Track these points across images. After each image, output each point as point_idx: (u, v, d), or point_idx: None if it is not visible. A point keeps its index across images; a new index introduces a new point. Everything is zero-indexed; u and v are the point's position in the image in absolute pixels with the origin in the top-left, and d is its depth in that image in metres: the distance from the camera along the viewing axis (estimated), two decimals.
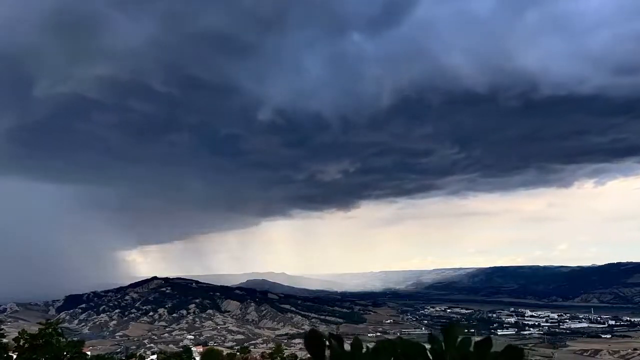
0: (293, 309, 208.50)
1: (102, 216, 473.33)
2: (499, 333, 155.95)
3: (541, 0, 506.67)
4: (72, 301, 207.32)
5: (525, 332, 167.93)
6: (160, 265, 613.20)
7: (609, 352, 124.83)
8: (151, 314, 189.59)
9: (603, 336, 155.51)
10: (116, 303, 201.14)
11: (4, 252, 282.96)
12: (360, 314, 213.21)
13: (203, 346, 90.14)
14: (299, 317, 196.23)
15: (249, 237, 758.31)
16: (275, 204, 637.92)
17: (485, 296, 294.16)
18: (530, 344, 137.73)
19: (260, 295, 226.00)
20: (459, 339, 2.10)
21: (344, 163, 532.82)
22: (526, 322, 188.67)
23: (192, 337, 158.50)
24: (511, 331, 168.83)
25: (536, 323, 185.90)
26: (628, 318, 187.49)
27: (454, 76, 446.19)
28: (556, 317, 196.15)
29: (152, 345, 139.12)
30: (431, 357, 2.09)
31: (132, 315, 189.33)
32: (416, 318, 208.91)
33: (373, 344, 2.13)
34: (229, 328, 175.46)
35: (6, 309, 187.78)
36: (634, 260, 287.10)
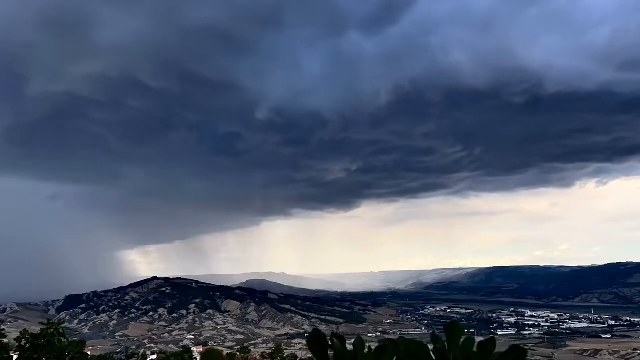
0: (293, 309, 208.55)
1: (102, 216, 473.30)
2: (499, 333, 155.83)
3: None
4: (72, 301, 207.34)
5: (525, 332, 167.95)
6: (160, 265, 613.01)
7: (609, 352, 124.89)
8: (151, 314, 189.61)
9: (603, 336, 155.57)
10: (116, 303, 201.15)
11: (4, 252, 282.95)
12: (360, 314, 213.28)
13: (203, 346, 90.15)
14: (299, 317, 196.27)
15: (249, 237, 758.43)
16: (275, 203, 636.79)
17: (485, 296, 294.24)
18: (530, 344, 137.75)
19: (260, 295, 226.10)
20: (462, 339, 2.10)
21: (345, 162, 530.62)
22: (526, 322, 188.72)
23: (192, 337, 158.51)
24: (511, 331, 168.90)
25: (536, 323, 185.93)
26: (628, 318, 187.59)
27: (454, 73, 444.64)
28: (556, 317, 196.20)
29: (152, 345, 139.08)
30: (434, 357, 2.10)
31: (132, 315, 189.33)
32: (416, 318, 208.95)
33: (374, 343, 2.14)
34: (229, 328, 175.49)
35: (6, 309, 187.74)
36: (634, 260, 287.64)
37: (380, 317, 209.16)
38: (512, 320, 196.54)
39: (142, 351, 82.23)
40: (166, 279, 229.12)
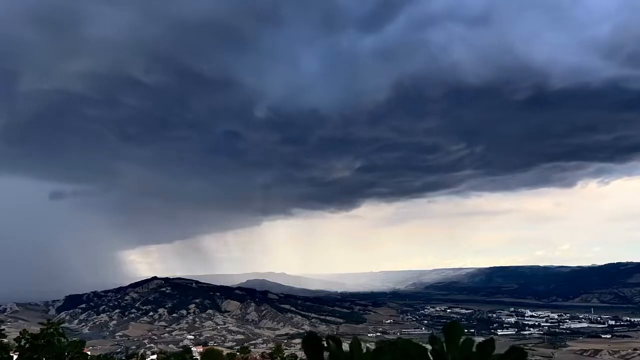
0: (293, 309, 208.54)
1: (101, 216, 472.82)
2: (499, 333, 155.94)
3: None
4: (72, 301, 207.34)
5: (525, 332, 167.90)
6: (160, 265, 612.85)
7: (609, 352, 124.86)
8: (151, 314, 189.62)
9: (603, 336, 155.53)
10: (116, 303, 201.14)
11: (4, 252, 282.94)
12: (360, 314, 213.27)
13: (203, 346, 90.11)
14: (299, 317, 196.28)
15: (249, 237, 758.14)
16: (275, 203, 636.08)
17: (485, 296, 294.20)
18: (530, 344, 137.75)
19: (260, 295, 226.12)
20: (461, 340, 2.08)
21: (345, 161, 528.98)
22: (526, 322, 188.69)
23: (192, 337, 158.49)
24: (511, 331, 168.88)
25: (536, 323, 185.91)
26: (628, 318, 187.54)
27: (454, 71, 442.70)
28: (556, 317, 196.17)
29: (152, 345, 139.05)
30: (432, 359, 2.08)
31: (132, 315, 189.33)
32: (416, 318, 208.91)
33: (373, 344, 2.19)
34: (229, 328, 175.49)
35: (6, 309, 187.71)
36: (634, 260, 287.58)
37: (380, 317, 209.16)
38: (512, 320, 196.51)
39: (142, 351, 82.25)
40: (166, 279, 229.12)
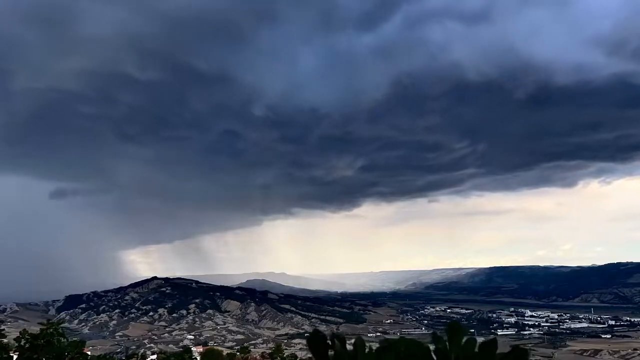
0: (293, 309, 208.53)
1: (101, 216, 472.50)
2: (499, 333, 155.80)
3: None
4: (72, 301, 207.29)
5: (525, 332, 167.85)
6: (160, 265, 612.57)
7: (609, 352, 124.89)
8: (151, 314, 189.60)
9: (603, 336, 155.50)
10: (116, 303, 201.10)
11: (4, 252, 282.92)
12: (360, 314, 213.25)
13: (203, 346, 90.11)
14: (299, 317, 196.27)
15: (249, 237, 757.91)
16: (275, 202, 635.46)
17: (485, 296, 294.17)
18: (530, 344, 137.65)
19: (260, 295, 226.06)
20: (463, 339, 2.08)
21: (346, 160, 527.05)
22: (526, 322, 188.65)
23: (192, 337, 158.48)
24: (511, 331, 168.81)
25: (536, 323, 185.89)
26: (628, 318, 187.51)
27: (455, 68, 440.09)
28: (556, 317, 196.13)
29: (152, 345, 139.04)
30: (435, 358, 2.08)
31: (132, 315, 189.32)
32: (416, 318, 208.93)
33: (374, 343, 2.13)
34: (229, 328, 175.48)
35: (6, 309, 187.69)
36: (634, 260, 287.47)
37: (380, 317, 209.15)
38: (512, 320, 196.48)
39: (142, 351, 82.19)
40: (166, 279, 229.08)
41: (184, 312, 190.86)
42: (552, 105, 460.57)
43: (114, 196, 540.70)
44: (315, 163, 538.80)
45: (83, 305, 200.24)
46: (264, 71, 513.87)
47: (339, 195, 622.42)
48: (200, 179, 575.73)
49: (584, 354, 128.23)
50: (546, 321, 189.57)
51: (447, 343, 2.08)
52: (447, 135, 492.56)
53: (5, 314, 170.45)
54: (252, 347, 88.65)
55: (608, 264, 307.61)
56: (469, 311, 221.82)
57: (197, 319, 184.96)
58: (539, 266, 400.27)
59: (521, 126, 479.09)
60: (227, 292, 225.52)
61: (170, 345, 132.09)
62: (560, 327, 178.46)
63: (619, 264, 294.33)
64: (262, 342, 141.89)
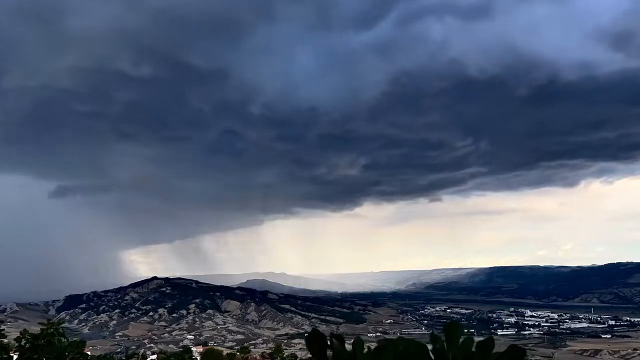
0: (293, 309, 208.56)
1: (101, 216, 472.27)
2: (499, 333, 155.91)
3: None
4: (72, 301, 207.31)
5: (525, 332, 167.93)
6: (160, 265, 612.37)
7: (609, 352, 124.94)
8: (151, 314, 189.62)
9: (603, 336, 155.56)
10: (116, 303, 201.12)
11: (4, 252, 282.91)
12: (360, 314, 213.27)
13: (203, 346, 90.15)
14: (299, 317, 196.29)
15: (249, 237, 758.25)
16: (275, 202, 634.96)
17: (485, 296, 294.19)
18: (530, 344, 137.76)
19: (260, 295, 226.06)
20: (461, 339, 2.10)
21: (347, 159, 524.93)
22: (526, 322, 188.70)
23: (192, 337, 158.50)
24: (511, 331, 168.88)
25: (536, 323, 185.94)
26: (628, 318, 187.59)
27: (455, 64, 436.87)
28: (556, 317, 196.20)
29: (152, 345, 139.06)
30: (433, 357, 2.09)
31: (132, 315, 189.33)
32: (416, 318, 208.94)
33: (374, 343, 2.13)
34: (229, 328, 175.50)
35: (6, 309, 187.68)
36: (634, 260, 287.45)
37: (380, 317, 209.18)
38: (512, 320, 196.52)
39: (142, 351, 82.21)
40: (166, 279, 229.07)
41: (184, 312, 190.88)
42: (553, 103, 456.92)
43: (113, 196, 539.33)
44: (316, 162, 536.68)
45: (83, 305, 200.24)
46: (262, 69, 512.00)
47: (340, 194, 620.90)
48: (200, 179, 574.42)
49: (584, 354, 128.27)
50: (546, 321, 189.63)
51: (444, 343, 2.09)
52: (447, 134, 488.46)
53: (5, 314, 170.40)
54: (252, 347, 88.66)
55: (608, 264, 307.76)
56: (469, 311, 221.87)
57: (197, 319, 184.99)
58: (539, 266, 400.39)
59: (521, 125, 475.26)
60: (227, 292, 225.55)
61: (170, 345, 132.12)
62: (560, 327, 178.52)
63: (619, 264, 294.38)
64: (262, 342, 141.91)
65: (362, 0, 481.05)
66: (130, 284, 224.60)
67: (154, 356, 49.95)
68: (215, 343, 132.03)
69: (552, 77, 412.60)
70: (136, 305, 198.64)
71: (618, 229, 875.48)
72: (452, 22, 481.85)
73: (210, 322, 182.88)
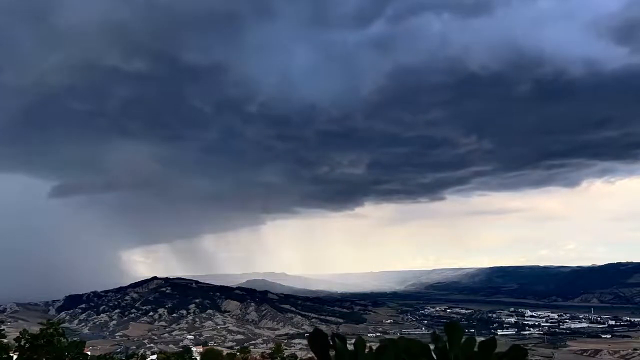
0: (293, 309, 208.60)
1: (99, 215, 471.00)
2: (499, 333, 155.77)
3: None
4: (72, 301, 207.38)
5: (525, 332, 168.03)
6: (160, 265, 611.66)
7: (609, 352, 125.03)
8: (151, 314, 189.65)
9: (603, 336, 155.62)
10: (116, 303, 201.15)
11: (4, 252, 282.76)
12: (360, 314, 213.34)
13: (203, 346, 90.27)
14: (299, 317, 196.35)
15: (249, 237, 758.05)
16: (275, 202, 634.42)
17: (485, 296, 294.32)
18: (530, 344, 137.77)
19: (260, 295, 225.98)
20: (463, 339, 2.10)
21: (348, 159, 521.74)
22: (526, 322, 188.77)
23: (192, 337, 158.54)
24: (511, 331, 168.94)
25: (536, 323, 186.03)
26: (628, 318, 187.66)
27: (454, 60, 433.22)
28: (556, 317, 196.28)
29: (152, 345, 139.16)
30: (435, 357, 2.09)
31: (132, 315, 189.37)
32: (416, 318, 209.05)
33: (374, 343, 2.14)
34: (229, 328, 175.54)
35: (6, 309, 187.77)
36: (634, 260, 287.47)
37: (380, 317, 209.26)
38: (512, 320, 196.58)
39: (142, 351, 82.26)
40: (166, 279, 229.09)
41: (184, 312, 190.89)
42: (555, 101, 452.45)
43: (112, 195, 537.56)
44: (316, 161, 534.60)
45: (83, 305, 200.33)
46: (260, 66, 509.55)
47: (340, 194, 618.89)
48: (198, 178, 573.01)
49: (584, 354, 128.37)
50: (546, 321, 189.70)
51: (446, 343, 2.09)
52: (447, 132, 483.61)
53: (5, 314, 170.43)
54: (252, 347, 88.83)
55: (608, 264, 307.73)
56: (469, 311, 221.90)
57: (197, 319, 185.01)
58: (539, 266, 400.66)
59: (522, 124, 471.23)
60: (227, 292, 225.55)
61: (170, 345, 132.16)
62: (560, 327, 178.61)
63: (619, 264, 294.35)
64: (262, 342, 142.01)
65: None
66: (130, 284, 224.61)
67: (154, 356, 50.01)
68: (215, 343, 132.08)
69: (550, 74, 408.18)
70: (136, 305, 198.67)
71: (619, 229, 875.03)
72: (453, 18, 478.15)
73: (210, 322, 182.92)
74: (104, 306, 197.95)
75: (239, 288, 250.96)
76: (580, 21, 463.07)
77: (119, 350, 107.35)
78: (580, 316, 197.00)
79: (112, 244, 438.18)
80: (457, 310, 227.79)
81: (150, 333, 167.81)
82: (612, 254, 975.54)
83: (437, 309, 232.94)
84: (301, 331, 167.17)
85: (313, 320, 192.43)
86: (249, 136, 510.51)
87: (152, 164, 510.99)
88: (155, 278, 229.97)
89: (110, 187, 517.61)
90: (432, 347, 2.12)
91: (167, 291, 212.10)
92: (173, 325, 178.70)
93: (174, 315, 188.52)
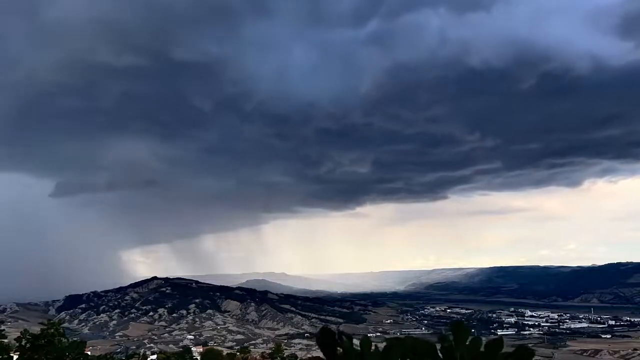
0: (293, 309, 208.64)
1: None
2: (498, 333, 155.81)
3: None
4: (72, 301, 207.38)
5: (525, 332, 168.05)
6: (160, 265, 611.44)
7: (609, 352, 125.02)
8: (151, 314, 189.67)
9: (603, 336, 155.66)
10: (116, 303, 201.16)
11: (4, 252, 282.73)
12: (360, 314, 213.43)
13: (203, 346, 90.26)
14: (299, 317, 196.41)
15: (249, 237, 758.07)
16: (275, 202, 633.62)
17: (485, 296, 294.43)
18: (531, 344, 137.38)
19: (260, 295, 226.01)
20: (469, 339, 2.11)
21: (348, 158, 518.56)
22: (526, 322, 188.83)
23: (192, 337, 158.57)
24: (511, 331, 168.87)
25: (536, 323, 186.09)
26: (628, 318, 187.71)
27: (453, 56, 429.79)
28: (556, 317, 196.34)
29: (152, 345, 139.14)
30: (441, 356, 2.10)
31: (132, 315, 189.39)
32: (416, 318, 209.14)
33: (378, 343, 2.19)
34: (229, 328, 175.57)
35: (6, 309, 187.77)
36: (634, 260, 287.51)
37: (380, 317, 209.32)
38: (512, 320, 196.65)
39: (142, 351, 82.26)
40: (166, 279, 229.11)
41: (184, 312, 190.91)
42: (556, 99, 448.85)
43: (109, 194, 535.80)
44: (316, 160, 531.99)
45: (83, 305, 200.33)
46: (259, 63, 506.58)
47: (341, 193, 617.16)
48: (198, 178, 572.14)
49: (584, 354, 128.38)
50: (546, 321, 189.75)
51: (452, 342, 2.10)
52: (447, 131, 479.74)
53: (5, 314, 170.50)
54: (252, 347, 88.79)
55: (608, 264, 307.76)
56: (469, 311, 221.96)
57: (197, 319, 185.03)
58: (539, 266, 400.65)
59: (522, 123, 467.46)
60: (227, 292, 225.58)
61: (170, 345, 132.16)
62: (560, 327, 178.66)
63: (618, 264, 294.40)
64: (262, 342, 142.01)
65: None
66: (130, 284, 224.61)
67: (154, 356, 49.95)
68: (215, 343, 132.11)
69: (555, 70, 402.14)
70: (136, 305, 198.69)
71: (620, 229, 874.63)
72: (451, 14, 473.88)
73: (210, 322, 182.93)
74: (104, 306, 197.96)
75: (239, 288, 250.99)
76: (579, 14, 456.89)
77: (119, 350, 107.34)
78: (580, 316, 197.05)
79: (112, 244, 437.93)
80: (457, 310, 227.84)
81: (150, 333, 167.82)
82: (613, 254, 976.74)
83: (437, 309, 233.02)
84: (301, 331, 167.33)
85: (313, 320, 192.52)
86: (247, 135, 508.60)
87: (151, 163, 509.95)
88: (155, 278, 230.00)
89: (108, 185, 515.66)
90: (438, 346, 2.13)
91: (167, 291, 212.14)
92: (173, 325, 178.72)
93: (174, 315, 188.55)
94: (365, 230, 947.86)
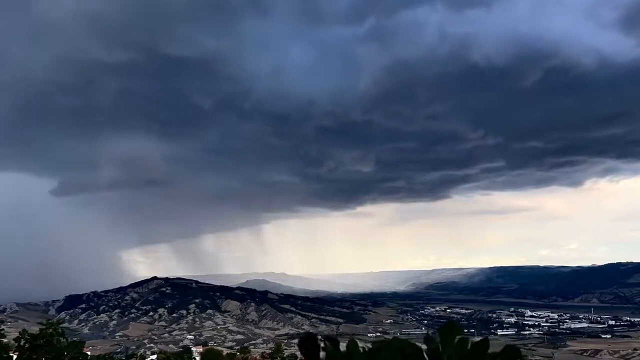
0: (293, 309, 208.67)
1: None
2: (498, 333, 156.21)
3: None
4: (72, 301, 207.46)
5: (525, 332, 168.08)
6: (160, 265, 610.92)
7: (609, 352, 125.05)
8: (151, 314, 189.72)
9: (603, 336, 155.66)
10: (116, 303, 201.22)
11: (4, 252, 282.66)
12: (360, 314, 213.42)
13: (203, 346, 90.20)
14: (299, 317, 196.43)
15: (249, 237, 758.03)
16: (275, 202, 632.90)
17: (485, 296, 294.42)
18: (530, 344, 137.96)
19: (260, 295, 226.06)
20: (456, 339, 2.09)
21: (349, 158, 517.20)
22: (526, 322, 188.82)
23: (192, 337, 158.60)
24: (511, 331, 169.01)
25: (536, 323, 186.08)
26: (628, 318, 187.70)
27: (453, 51, 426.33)
28: (556, 317, 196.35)
29: (152, 345, 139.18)
30: (427, 358, 2.08)
31: (132, 315, 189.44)
32: (416, 318, 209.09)
33: (370, 344, 2.14)
34: (229, 328, 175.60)
35: (6, 309, 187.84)
36: (634, 260, 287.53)
37: (380, 317, 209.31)
38: (512, 320, 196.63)
39: (142, 351, 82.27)
40: (166, 279, 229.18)
41: (184, 312, 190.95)
42: (556, 98, 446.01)
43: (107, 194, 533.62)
44: (317, 159, 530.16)
45: (83, 305, 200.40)
46: (258, 61, 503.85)
47: (342, 193, 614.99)
48: (196, 177, 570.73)
49: (584, 354, 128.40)
50: (546, 321, 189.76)
51: (439, 344, 2.08)
52: (448, 129, 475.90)
53: (5, 314, 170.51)
54: (252, 347, 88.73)
55: (608, 264, 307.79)
56: (469, 311, 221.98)
57: (197, 319, 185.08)
58: (539, 266, 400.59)
59: (522, 122, 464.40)
60: (227, 292, 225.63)
61: (170, 345, 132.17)
62: (560, 327, 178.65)
63: (618, 264, 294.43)
64: (262, 342, 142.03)
65: None
66: (130, 284, 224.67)
67: (154, 356, 49.94)
68: (215, 343, 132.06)
69: (557, 67, 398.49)
70: (136, 305, 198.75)
71: (620, 228, 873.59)
72: (450, 10, 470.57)
73: (210, 322, 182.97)
74: (104, 306, 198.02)
75: (239, 288, 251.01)
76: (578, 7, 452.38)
77: (119, 350, 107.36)
78: (580, 316, 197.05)
79: (112, 244, 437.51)
80: (457, 310, 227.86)
81: (150, 333, 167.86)
82: (613, 254, 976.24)
83: (437, 309, 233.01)
84: (301, 331, 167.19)
85: (313, 320, 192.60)
86: (246, 134, 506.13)
87: (150, 162, 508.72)
88: (155, 278, 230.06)
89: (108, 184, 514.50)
90: (425, 347, 2.11)
91: (167, 291, 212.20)
92: (173, 325, 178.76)
93: (174, 315, 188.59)
94: (365, 230, 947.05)
